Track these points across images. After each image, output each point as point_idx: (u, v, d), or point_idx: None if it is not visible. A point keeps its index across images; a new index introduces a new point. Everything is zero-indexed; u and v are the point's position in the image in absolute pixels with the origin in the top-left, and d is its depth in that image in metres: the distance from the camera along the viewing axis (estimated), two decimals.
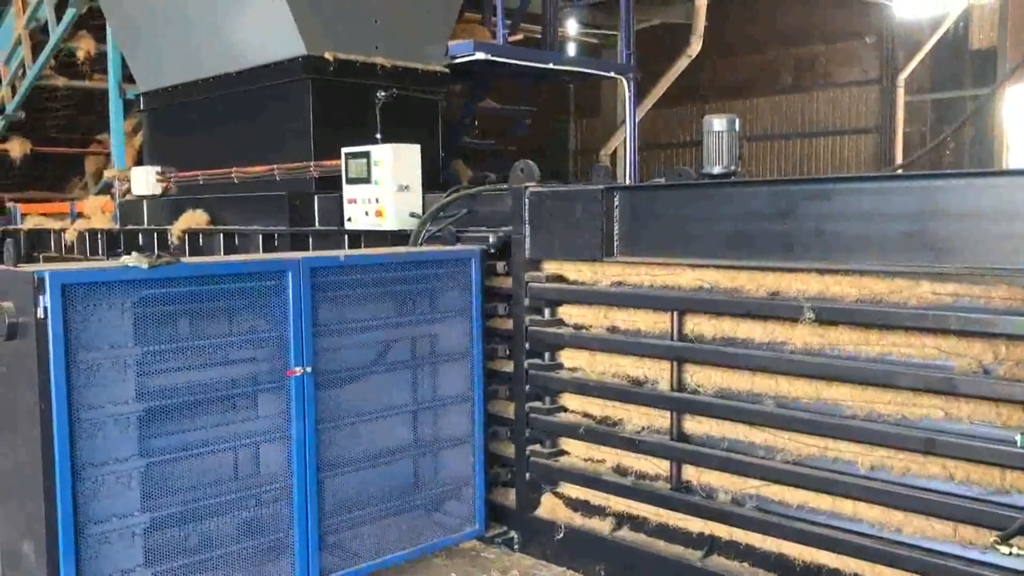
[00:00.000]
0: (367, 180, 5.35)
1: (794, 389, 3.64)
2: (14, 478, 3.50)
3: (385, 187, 5.26)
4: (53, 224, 8.76)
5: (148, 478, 3.49)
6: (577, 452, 4.51)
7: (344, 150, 5.54)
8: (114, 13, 7.79)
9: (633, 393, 4.19)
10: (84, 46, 9.31)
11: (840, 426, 3.48)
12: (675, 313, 3.98)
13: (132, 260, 3.44)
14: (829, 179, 3.63)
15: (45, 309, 3.19)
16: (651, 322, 4.11)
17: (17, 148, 10.20)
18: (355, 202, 5.43)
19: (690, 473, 4.04)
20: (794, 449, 3.65)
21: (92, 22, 8.91)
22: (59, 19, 8.93)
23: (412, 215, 5.25)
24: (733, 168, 4.40)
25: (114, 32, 8.10)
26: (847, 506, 3.52)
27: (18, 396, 3.36)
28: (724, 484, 3.90)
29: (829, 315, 3.48)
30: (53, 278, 3.20)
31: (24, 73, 9.68)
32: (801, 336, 3.59)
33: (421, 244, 5.02)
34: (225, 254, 6.39)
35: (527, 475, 4.62)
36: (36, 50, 9.43)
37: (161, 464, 3.53)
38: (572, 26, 13.43)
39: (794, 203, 3.63)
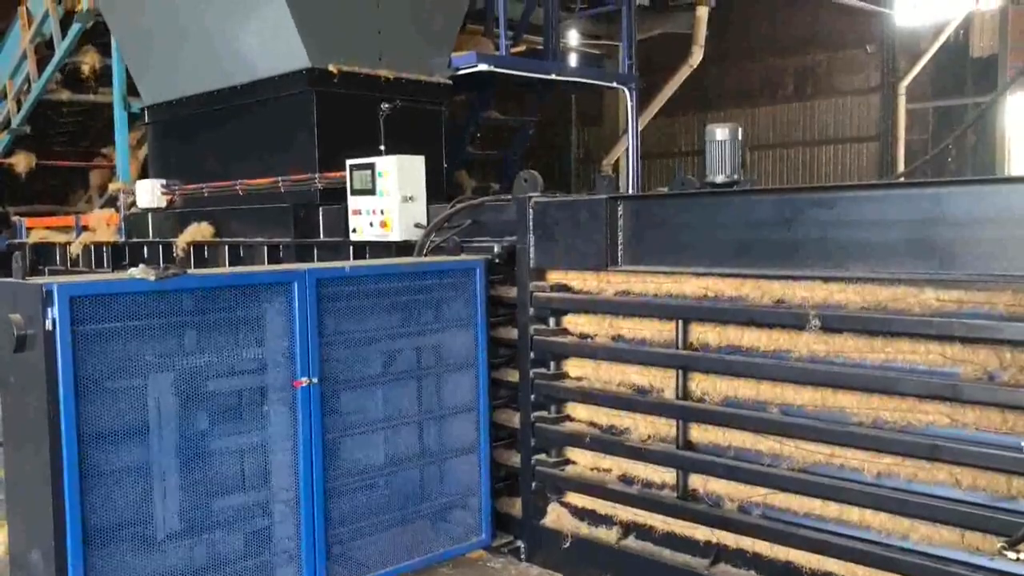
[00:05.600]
0: (372, 191, 5.37)
1: (799, 397, 3.65)
2: (23, 486, 3.52)
3: (390, 198, 5.28)
4: (58, 237, 8.80)
5: (164, 484, 3.51)
6: (583, 461, 4.52)
7: (349, 162, 5.57)
8: (119, 27, 7.85)
9: (638, 402, 4.19)
10: (89, 60, 9.35)
11: (846, 433, 3.48)
12: (680, 322, 3.99)
13: (139, 272, 3.46)
14: (832, 187, 3.64)
15: (53, 321, 3.21)
16: (656, 331, 4.12)
17: (22, 162, 10.23)
18: (360, 213, 5.45)
19: (696, 481, 4.04)
20: (800, 457, 3.65)
21: (97, 37, 8.95)
22: (64, 34, 8.98)
23: (417, 226, 5.27)
24: (736, 177, 4.41)
25: (119, 46, 8.14)
26: (854, 513, 3.52)
27: (27, 407, 3.38)
28: (730, 492, 3.90)
29: (834, 322, 3.48)
30: (61, 290, 3.23)
31: (29, 87, 9.72)
32: (806, 344, 3.59)
33: (426, 255, 5.04)
34: (230, 266, 6.42)
35: (533, 484, 4.63)
36: (41, 64, 9.47)
37: (167, 474, 3.55)
38: (574, 37, 13.46)
39: (798, 211, 3.64)
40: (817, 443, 3.59)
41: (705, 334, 3.95)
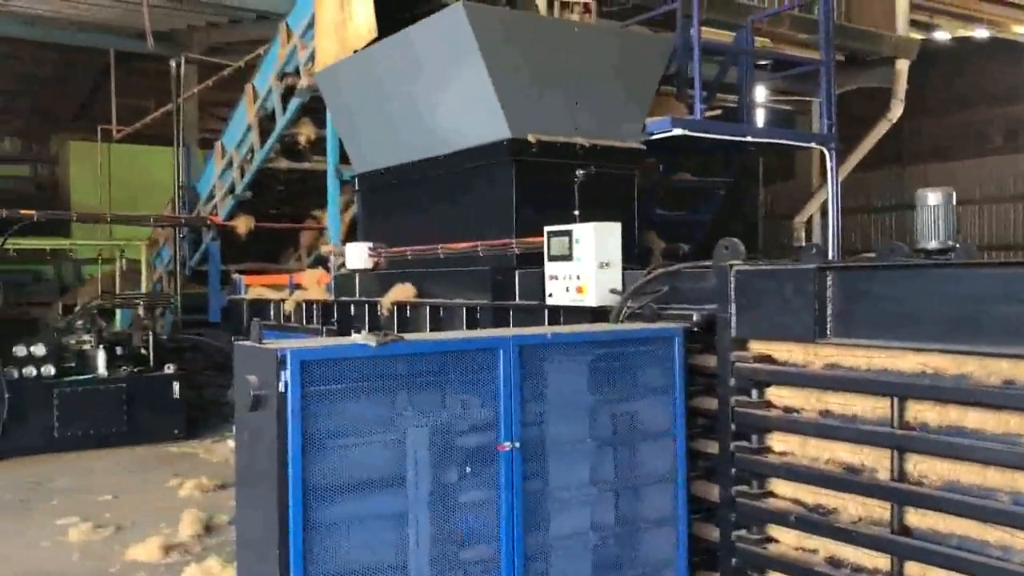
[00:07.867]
0: (569, 257, 5.49)
1: None
2: (251, 534, 3.80)
3: (586, 264, 5.37)
4: (272, 295, 9.51)
5: (382, 537, 3.69)
6: (787, 540, 4.34)
7: (547, 229, 5.72)
8: (334, 102, 8.49)
9: (849, 481, 4.00)
10: (305, 132, 10.17)
11: None
12: (895, 399, 3.80)
13: (362, 338, 3.70)
14: None
15: (286, 384, 3.48)
16: (868, 407, 3.94)
17: (243, 225, 11.21)
18: (556, 278, 5.58)
19: (913, 570, 3.80)
20: None
21: (313, 111, 9.72)
22: (285, 108, 9.82)
23: (612, 291, 5.32)
24: (951, 243, 4.20)
25: (334, 119, 8.80)
26: None
27: (258, 461, 3.66)
28: None
29: None
30: (294, 355, 3.49)
31: (252, 157, 10.67)
32: None
33: (622, 321, 5.07)
34: (430, 326, 6.71)
35: (733, 561, 4.49)
36: (263, 136, 10.39)
37: (386, 528, 3.72)
38: (761, 92, 13.27)
39: None
40: None
41: (923, 413, 3.74)
